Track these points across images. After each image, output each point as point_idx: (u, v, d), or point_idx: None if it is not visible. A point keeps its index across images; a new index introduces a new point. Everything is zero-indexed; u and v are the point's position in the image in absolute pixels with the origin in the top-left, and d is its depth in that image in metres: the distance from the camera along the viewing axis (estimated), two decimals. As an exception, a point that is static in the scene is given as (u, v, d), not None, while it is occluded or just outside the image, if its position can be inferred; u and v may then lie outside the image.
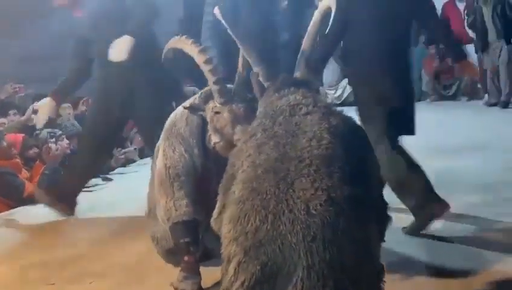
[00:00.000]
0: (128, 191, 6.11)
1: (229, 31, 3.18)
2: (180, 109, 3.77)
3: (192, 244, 3.57)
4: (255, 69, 3.09)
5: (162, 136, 3.76)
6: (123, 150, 7.55)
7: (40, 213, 5.58)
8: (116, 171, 7.39)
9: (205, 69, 3.46)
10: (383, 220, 2.73)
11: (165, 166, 3.62)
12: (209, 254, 3.64)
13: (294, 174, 2.34)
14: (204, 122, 3.59)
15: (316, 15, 3.24)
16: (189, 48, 3.54)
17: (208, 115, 3.52)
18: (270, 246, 2.22)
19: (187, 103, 3.65)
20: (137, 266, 4.07)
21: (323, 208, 2.24)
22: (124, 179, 7.02)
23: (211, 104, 3.51)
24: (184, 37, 3.57)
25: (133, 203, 5.19)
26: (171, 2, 12.23)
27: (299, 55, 3.13)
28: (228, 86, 3.51)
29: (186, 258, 3.58)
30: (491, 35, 10.02)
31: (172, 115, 3.80)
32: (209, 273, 3.50)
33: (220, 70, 3.44)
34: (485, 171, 5.71)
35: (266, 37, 3.46)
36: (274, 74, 3.06)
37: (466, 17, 10.75)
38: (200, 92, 3.65)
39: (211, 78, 3.46)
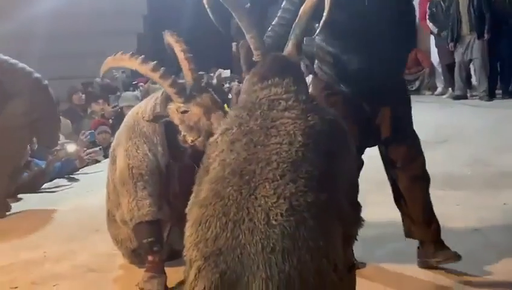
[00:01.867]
0: (93, 190, 6.04)
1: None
2: (140, 106, 3.70)
3: (156, 244, 3.54)
4: (247, 35, 2.96)
5: (122, 136, 3.69)
6: (88, 150, 7.46)
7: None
8: (80, 171, 7.30)
9: (155, 77, 3.39)
10: (354, 222, 2.70)
11: (128, 166, 3.57)
12: (175, 254, 3.60)
13: (259, 177, 2.32)
14: (167, 121, 3.50)
15: None
16: (129, 63, 3.47)
17: (175, 117, 3.42)
18: (229, 255, 2.21)
19: (149, 115, 3.55)
20: (102, 267, 4.02)
21: (284, 218, 2.21)
22: (88, 179, 6.94)
23: (172, 106, 3.42)
24: (120, 53, 3.51)
25: (99, 203, 5.13)
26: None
27: (291, 32, 3.01)
28: (180, 81, 3.46)
29: (150, 258, 3.56)
30: (465, 28, 9.92)
31: (132, 113, 3.73)
32: (174, 273, 3.48)
33: (167, 72, 3.37)
34: (450, 164, 5.78)
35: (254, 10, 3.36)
36: (266, 46, 2.99)
37: (428, 10, 10.73)
38: (155, 99, 3.56)
39: (164, 84, 3.39)
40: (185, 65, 3.47)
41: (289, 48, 2.97)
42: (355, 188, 2.74)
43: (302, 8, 3.00)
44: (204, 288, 2.24)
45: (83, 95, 9.18)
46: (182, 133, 3.44)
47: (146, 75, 3.52)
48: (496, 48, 9.89)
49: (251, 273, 2.18)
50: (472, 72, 10.45)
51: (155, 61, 3.39)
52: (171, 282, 3.54)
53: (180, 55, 3.48)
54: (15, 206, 5.69)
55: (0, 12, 11.46)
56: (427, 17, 10.64)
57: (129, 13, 11.42)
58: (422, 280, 3.49)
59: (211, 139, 2.68)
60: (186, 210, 2.61)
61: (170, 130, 3.53)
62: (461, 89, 10.26)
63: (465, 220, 4.30)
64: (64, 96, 9.22)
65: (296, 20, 3.01)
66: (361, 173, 3.40)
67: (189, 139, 3.40)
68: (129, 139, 3.61)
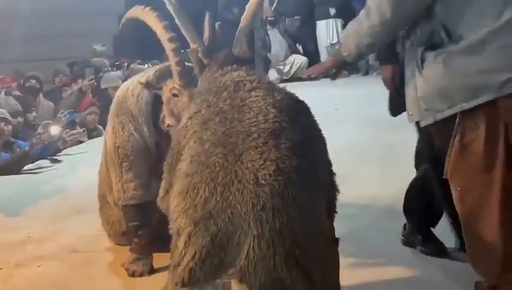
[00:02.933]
0: (76, 172, 6.01)
1: (168, 6, 3.09)
2: (129, 83, 3.61)
3: (141, 227, 3.51)
4: (193, 45, 3.02)
5: (111, 112, 3.59)
6: (71, 132, 7.41)
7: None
8: (63, 152, 7.26)
9: (168, 47, 3.25)
10: (332, 191, 2.73)
11: (115, 145, 3.49)
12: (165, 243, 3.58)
13: (242, 147, 2.34)
14: (156, 100, 3.43)
15: None
16: (153, 22, 3.30)
17: (165, 95, 3.35)
18: (219, 217, 2.23)
19: (142, 79, 3.44)
20: (87, 248, 4.02)
21: (272, 178, 2.25)
22: (72, 160, 6.90)
23: (169, 84, 3.33)
24: (148, 8, 3.34)
25: (82, 184, 5.12)
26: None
27: (237, 32, 3.05)
28: (188, 64, 3.28)
29: (136, 239, 3.54)
30: None
31: (121, 90, 3.63)
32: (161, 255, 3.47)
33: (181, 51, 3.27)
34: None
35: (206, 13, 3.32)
36: (213, 51, 3.00)
37: None
38: (156, 69, 3.49)
39: (172, 58, 3.26)
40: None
41: (240, 47, 3.01)
42: (329, 162, 2.75)
43: (246, 11, 3.03)
44: (195, 253, 2.25)
45: (64, 77, 9.09)
46: (164, 113, 3.40)
47: (161, 41, 3.28)
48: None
49: (242, 232, 2.21)
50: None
51: (174, 34, 3.24)
52: (157, 264, 3.54)
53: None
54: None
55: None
56: None
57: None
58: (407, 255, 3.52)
59: (179, 126, 2.68)
60: (162, 190, 2.68)
61: (157, 109, 3.45)
62: None
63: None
64: (48, 78, 9.16)
65: (242, 21, 3.03)
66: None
67: (167, 122, 3.36)
68: (116, 117, 3.52)
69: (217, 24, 11.36)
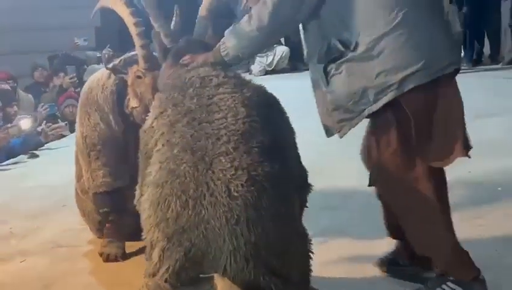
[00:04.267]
0: (58, 166, 5.97)
1: None
2: (97, 74, 3.66)
3: (111, 213, 3.59)
4: (155, 25, 2.99)
5: (79, 103, 3.66)
6: (53, 125, 7.36)
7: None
8: (45, 146, 7.20)
9: (133, 31, 3.31)
10: (304, 188, 2.72)
11: (82, 135, 3.56)
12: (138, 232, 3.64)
13: (212, 152, 2.30)
14: (121, 88, 3.47)
15: None
16: (121, 8, 3.36)
17: (130, 78, 3.41)
18: (193, 232, 2.21)
19: (110, 64, 3.50)
20: (70, 243, 4.00)
21: (245, 189, 2.22)
22: (53, 154, 6.85)
23: (134, 68, 3.39)
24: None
25: (64, 178, 5.08)
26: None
27: (197, 20, 3.04)
28: (154, 53, 3.34)
29: (107, 225, 3.63)
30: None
31: (89, 81, 3.69)
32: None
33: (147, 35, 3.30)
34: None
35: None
36: (179, 33, 3.01)
37: None
38: (124, 56, 3.55)
39: (138, 42, 3.32)
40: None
41: (203, 34, 3.02)
42: (298, 156, 2.76)
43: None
44: (169, 268, 2.25)
45: (44, 71, 9.01)
46: (128, 96, 3.44)
47: (127, 26, 3.33)
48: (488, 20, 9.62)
49: (217, 247, 2.19)
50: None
51: (140, 18, 3.29)
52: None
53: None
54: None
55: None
56: None
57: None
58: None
59: (145, 126, 2.65)
60: (138, 193, 2.66)
61: (122, 98, 3.49)
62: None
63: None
64: (27, 72, 9.07)
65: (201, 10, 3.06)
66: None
67: (131, 105, 3.41)
68: (83, 107, 3.59)
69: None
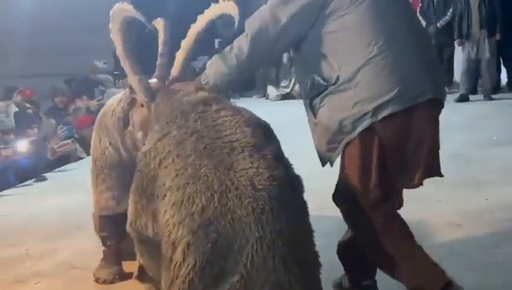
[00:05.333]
0: (75, 188, 6.00)
1: (112, 36, 3.16)
2: (112, 99, 3.71)
3: (109, 239, 3.62)
4: (133, 78, 3.09)
5: (94, 127, 3.71)
6: (61, 142, 7.39)
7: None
8: (62, 168, 7.25)
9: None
10: None
11: (93, 158, 3.62)
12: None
13: (230, 158, 2.37)
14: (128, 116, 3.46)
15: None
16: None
17: (134, 108, 3.38)
18: (219, 223, 2.24)
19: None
20: (84, 264, 4.00)
21: (268, 183, 2.30)
22: (70, 177, 6.88)
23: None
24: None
25: (81, 200, 5.11)
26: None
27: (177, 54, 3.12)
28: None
29: (104, 249, 3.68)
30: (475, 25, 9.27)
31: (105, 106, 3.73)
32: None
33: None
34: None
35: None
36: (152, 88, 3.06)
37: (420, 3, 10.40)
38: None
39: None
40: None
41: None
42: None
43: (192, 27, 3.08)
44: (195, 262, 2.24)
45: (64, 97, 9.11)
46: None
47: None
48: (505, 47, 9.53)
49: (243, 236, 2.23)
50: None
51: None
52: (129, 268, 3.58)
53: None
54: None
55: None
56: (418, 10, 10.31)
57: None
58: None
59: (145, 149, 2.67)
60: (129, 221, 2.69)
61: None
62: (466, 90, 9.61)
63: (447, 216, 4.32)
64: (47, 95, 9.17)
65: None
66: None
67: (137, 137, 3.32)
68: (96, 131, 3.65)
69: (216, 41, 11.50)
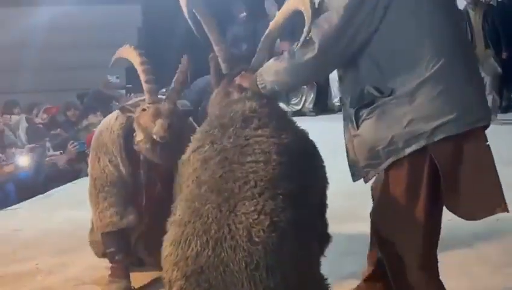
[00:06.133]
0: (84, 203, 6.00)
1: (194, 10, 2.96)
2: (107, 117, 3.77)
3: (117, 253, 3.65)
4: (216, 48, 2.93)
5: (91, 146, 3.76)
6: (74, 143, 7.44)
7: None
8: (72, 183, 7.25)
9: (139, 69, 3.51)
10: (324, 239, 2.75)
11: (92, 177, 3.66)
12: (142, 262, 3.86)
13: (238, 196, 2.31)
14: (128, 131, 3.57)
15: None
16: (130, 54, 3.59)
17: (136, 114, 3.51)
18: (211, 274, 2.20)
19: (120, 106, 3.68)
20: (94, 280, 4.00)
21: (266, 235, 2.22)
22: (80, 191, 6.88)
23: (141, 105, 3.52)
24: (127, 45, 3.64)
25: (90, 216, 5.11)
26: (130, 12, 12.24)
27: (259, 46, 2.92)
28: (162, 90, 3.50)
29: (112, 265, 3.70)
30: (478, 44, 8.93)
31: (101, 124, 3.79)
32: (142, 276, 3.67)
33: (153, 72, 3.53)
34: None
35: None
36: (234, 59, 2.94)
37: None
38: (137, 99, 3.69)
39: (143, 78, 3.49)
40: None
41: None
42: (324, 205, 2.78)
43: (271, 23, 2.88)
44: None
45: (76, 111, 9.16)
46: (135, 133, 3.52)
47: (135, 65, 3.57)
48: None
49: None
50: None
51: (145, 59, 3.52)
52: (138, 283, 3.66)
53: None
54: (4, 218, 5.64)
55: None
56: None
57: (124, 26, 11.45)
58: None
59: (184, 157, 2.67)
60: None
61: (129, 141, 3.58)
62: None
63: (457, 236, 4.29)
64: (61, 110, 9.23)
65: (264, 35, 2.91)
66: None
67: (137, 139, 3.50)
68: (93, 150, 3.69)
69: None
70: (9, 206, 6.36)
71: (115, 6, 12.14)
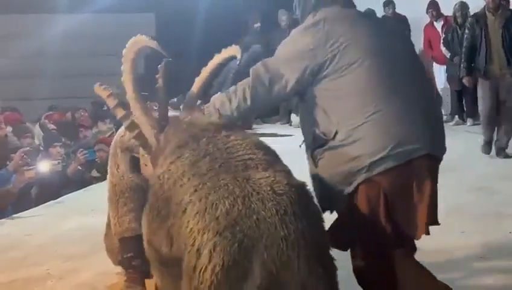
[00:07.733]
0: (99, 208, 6.03)
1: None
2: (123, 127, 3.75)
3: (135, 259, 3.65)
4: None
5: (110, 153, 3.79)
6: (84, 151, 7.45)
7: (5, 231, 5.52)
8: (87, 188, 7.29)
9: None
10: None
11: (112, 183, 3.69)
12: None
13: (246, 172, 2.46)
14: None
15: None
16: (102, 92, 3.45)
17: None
18: (245, 223, 2.30)
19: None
20: (105, 286, 4.02)
21: (287, 189, 2.40)
22: (93, 198, 6.92)
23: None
24: (98, 84, 3.51)
25: (102, 222, 5.13)
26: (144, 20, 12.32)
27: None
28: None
29: (130, 270, 3.70)
30: (496, 66, 7.62)
31: (118, 132, 3.81)
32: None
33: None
34: (455, 191, 5.76)
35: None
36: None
37: (444, 35, 10.14)
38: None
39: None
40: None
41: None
42: None
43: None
44: (223, 264, 2.25)
45: (85, 113, 9.18)
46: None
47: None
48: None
49: (269, 235, 2.28)
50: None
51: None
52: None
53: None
54: (17, 224, 5.68)
55: (13, 32, 11.63)
56: (442, 42, 10.21)
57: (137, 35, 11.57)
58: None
59: (157, 172, 2.71)
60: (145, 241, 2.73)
61: None
62: (489, 137, 7.82)
63: (470, 248, 4.29)
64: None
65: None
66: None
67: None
68: (112, 157, 3.72)
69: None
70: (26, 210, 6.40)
71: (130, 14, 12.26)
